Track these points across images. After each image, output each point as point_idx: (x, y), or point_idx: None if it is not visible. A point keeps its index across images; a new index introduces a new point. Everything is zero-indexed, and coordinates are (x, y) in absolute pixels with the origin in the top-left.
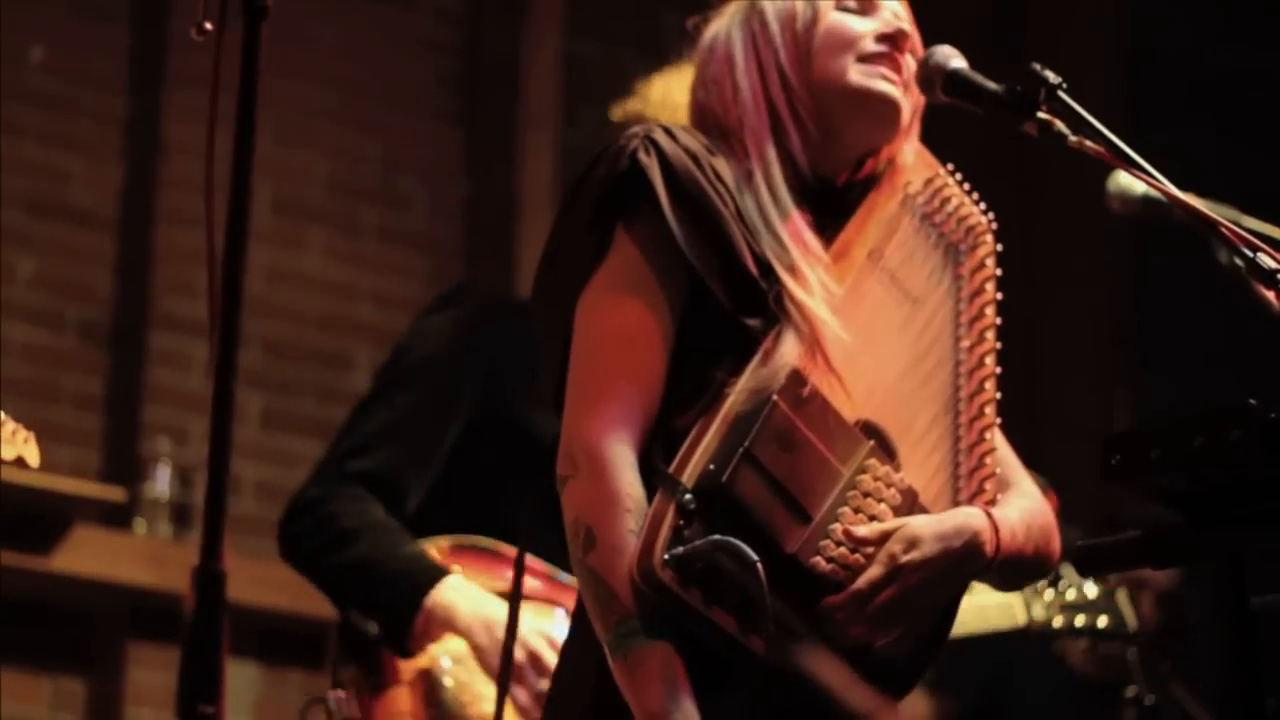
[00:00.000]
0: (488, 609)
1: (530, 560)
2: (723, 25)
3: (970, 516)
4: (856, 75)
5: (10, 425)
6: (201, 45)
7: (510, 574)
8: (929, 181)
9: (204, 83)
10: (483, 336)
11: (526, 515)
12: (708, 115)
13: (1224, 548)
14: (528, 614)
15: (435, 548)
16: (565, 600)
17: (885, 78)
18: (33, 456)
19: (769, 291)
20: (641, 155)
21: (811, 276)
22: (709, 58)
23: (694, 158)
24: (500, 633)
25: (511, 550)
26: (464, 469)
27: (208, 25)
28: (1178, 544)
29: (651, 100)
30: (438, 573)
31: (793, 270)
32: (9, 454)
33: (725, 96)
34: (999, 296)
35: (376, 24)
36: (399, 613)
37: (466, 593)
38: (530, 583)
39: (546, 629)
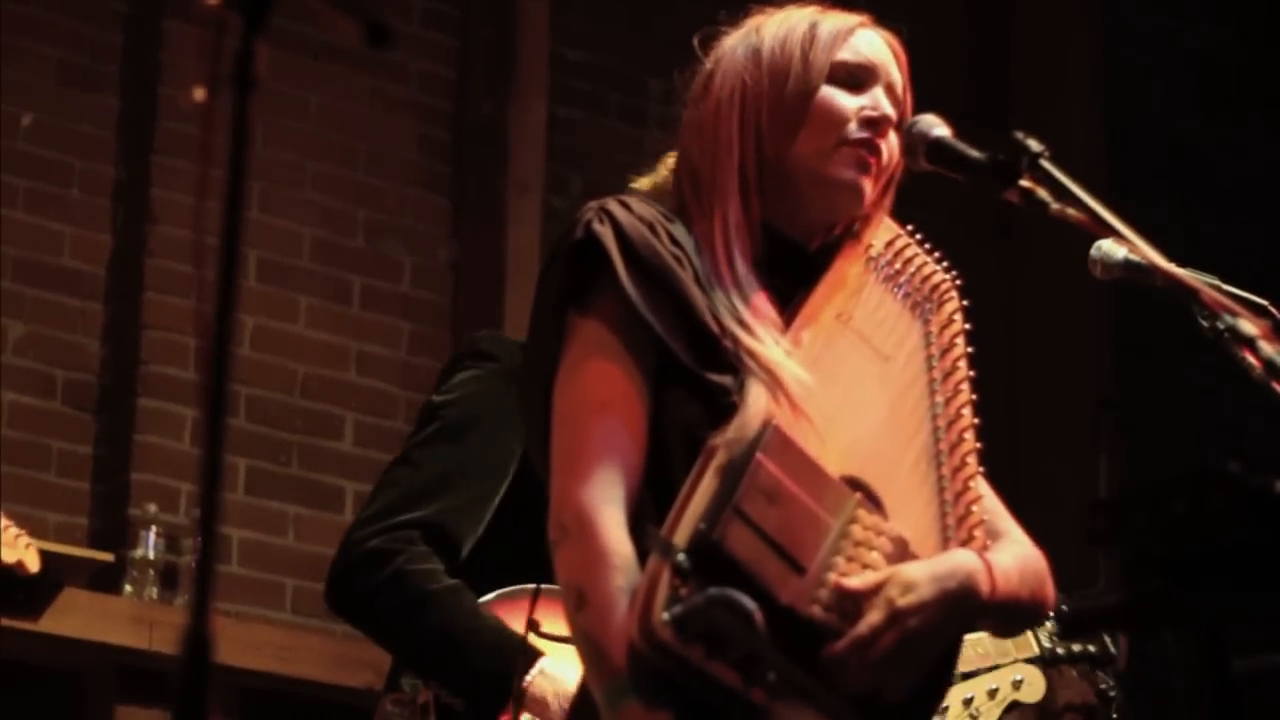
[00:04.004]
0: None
1: None
2: (723, 58)
3: (963, 558)
4: (833, 164)
5: (13, 530)
6: (191, 113)
7: (557, 615)
8: (890, 243)
9: (193, 150)
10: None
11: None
12: (688, 157)
13: (1206, 613)
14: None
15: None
16: None
17: (860, 166)
18: (32, 562)
19: (730, 348)
20: (596, 225)
21: (762, 329)
22: (702, 100)
23: (649, 225)
24: None
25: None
26: (510, 518)
27: (198, 94)
28: (1160, 609)
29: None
30: (531, 654)
31: (744, 324)
32: (9, 557)
33: (705, 144)
34: (971, 350)
35: (363, 91)
36: (493, 692)
37: (561, 676)
38: None
39: None
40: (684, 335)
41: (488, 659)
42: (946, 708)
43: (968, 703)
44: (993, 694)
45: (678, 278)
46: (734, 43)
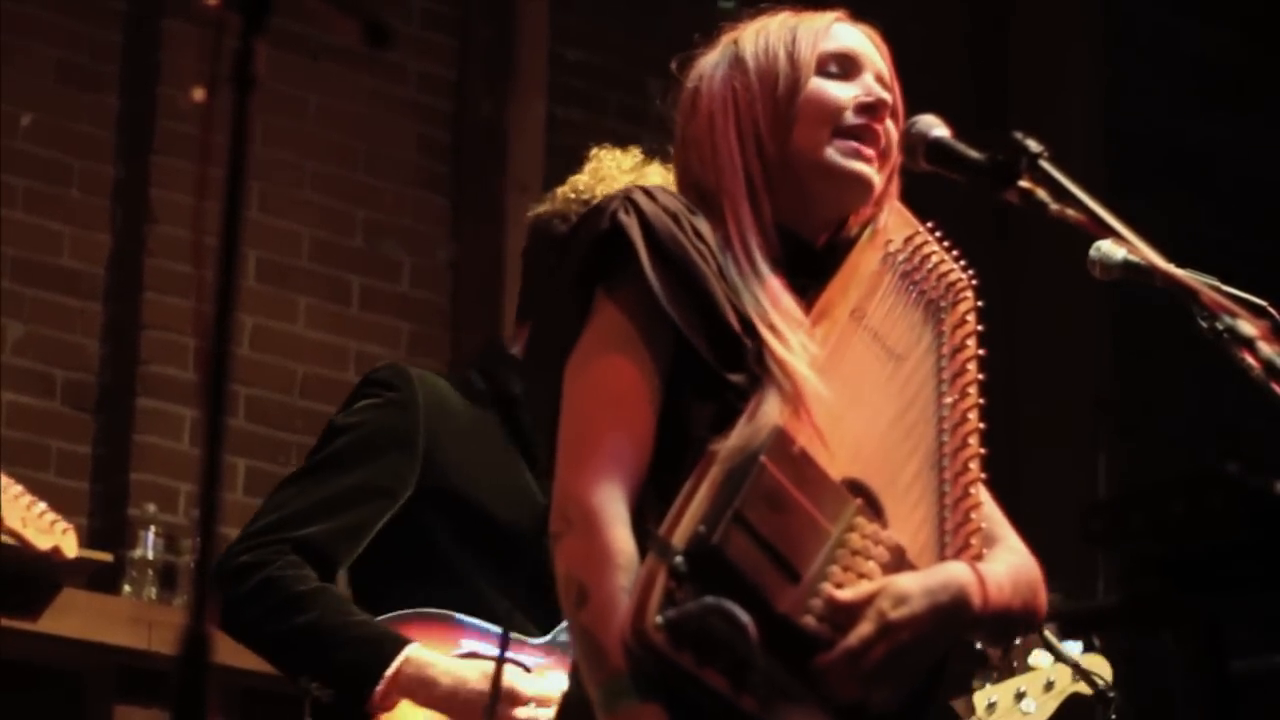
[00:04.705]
0: (458, 672)
1: (485, 627)
2: (705, 74)
3: (956, 571)
4: (833, 153)
5: (49, 516)
6: (190, 112)
7: (464, 639)
8: (909, 239)
9: (192, 149)
10: (421, 418)
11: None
12: (688, 172)
13: (1204, 614)
14: (527, 678)
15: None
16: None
17: (861, 155)
18: (70, 547)
19: (750, 349)
20: (622, 215)
21: (791, 337)
22: (691, 114)
23: (674, 217)
24: (470, 695)
25: (461, 615)
26: (407, 544)
27: (198, 94)
28: (1159, 609)
29: (595, 173)
30: (400, 641)
31: (773, 329)
32: (44, 544)
33: (704, 157)
34: (982, 352)
35: (362, 91)
36: (361, 679)
37: (433, 658)
38: (492, 650)
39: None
40: (705, 332)
41: (354, 650)
42: (994, 703)
43: (1019, 697)
44: (1049, 686)
45: (701, 273)
46: (714, 58)
